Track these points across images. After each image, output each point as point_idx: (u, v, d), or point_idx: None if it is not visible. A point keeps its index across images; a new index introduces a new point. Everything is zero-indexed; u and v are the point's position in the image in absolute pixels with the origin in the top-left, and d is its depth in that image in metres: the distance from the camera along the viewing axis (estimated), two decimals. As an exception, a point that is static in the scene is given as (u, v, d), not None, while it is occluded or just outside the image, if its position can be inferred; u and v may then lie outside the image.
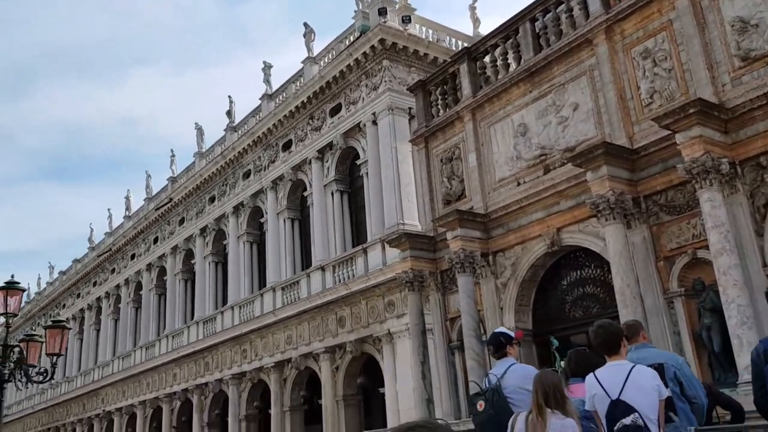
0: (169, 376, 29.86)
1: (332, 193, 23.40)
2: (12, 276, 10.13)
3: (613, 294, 9.09)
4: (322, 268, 22.33)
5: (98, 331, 38.08)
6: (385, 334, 19.41)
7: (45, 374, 9.72)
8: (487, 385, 4.97)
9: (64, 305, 43.16)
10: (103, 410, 34.84)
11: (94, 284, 39.93)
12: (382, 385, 20.23)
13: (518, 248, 10.48)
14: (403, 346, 18.87)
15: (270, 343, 23.97)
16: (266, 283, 25.66)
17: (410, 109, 21.61)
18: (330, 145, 23.48)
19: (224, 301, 28.33)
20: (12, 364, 9.53)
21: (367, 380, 21.28)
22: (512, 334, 5.33)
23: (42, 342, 10.58)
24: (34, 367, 10.15)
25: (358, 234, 23.03)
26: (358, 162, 22.56)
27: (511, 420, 4.35)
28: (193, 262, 30.93)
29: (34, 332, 11.48)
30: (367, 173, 21.94)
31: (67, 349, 9.92)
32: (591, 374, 4.18)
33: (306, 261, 24.76)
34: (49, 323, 9.87)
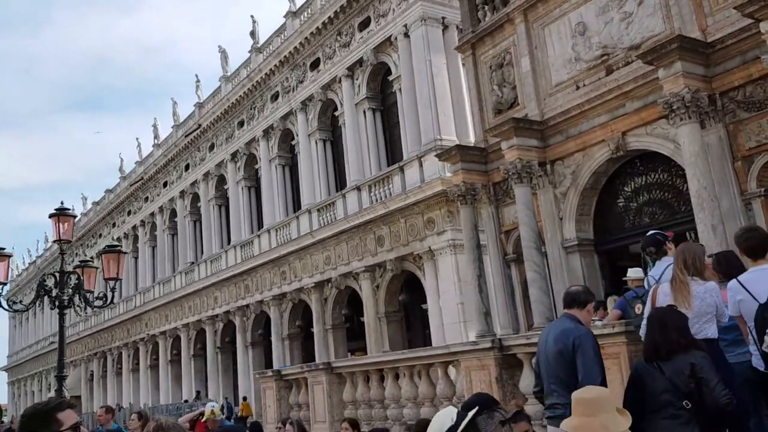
0: (210, 299, 30.40)
1: (364, 112, 22.84)
2: (61, 203, 9.99)
3: (682, 198, 8.67)
4: (358, 188, 22.07)
5: (136, 258, 38.71)
6: (425, 252, 19.29)
7: (104, 299, 9.70)
8: (646, 287, 4.88)
9: (100, 235, 43.83)
10: (148, 334, 35.88)
11: (129, 213, 40.32)
12: (424, 302, 20.32)
13: (578, 155, 10.03)
14: (444, 262, 18.78)
15: (309, 264, 24.08)
16: (301, 205, 25.56)
17: (444, 18, 20.72)
18: (360, 62, 22.72)
19: (260, 225, 28.41)
20: (70, 291, 9.51)
21: (408, 297, 21.39)
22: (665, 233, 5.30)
23: (97, 268, 10.55)
24: (91, 292, 10.14)
25: (392, 152, 22.60)
26: (390, 78, 21.85)
27: (651, 290, 4.36)
28: (225, 187, 30.89)
29: (87, 258, 11.46)
30: (400, 89, 21.27)
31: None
32: (734, 279, 3.95)
33: (340, 182, 24.52)
34: (104, 248, 9.77)
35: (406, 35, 20.71)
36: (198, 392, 29.98)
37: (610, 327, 5.09)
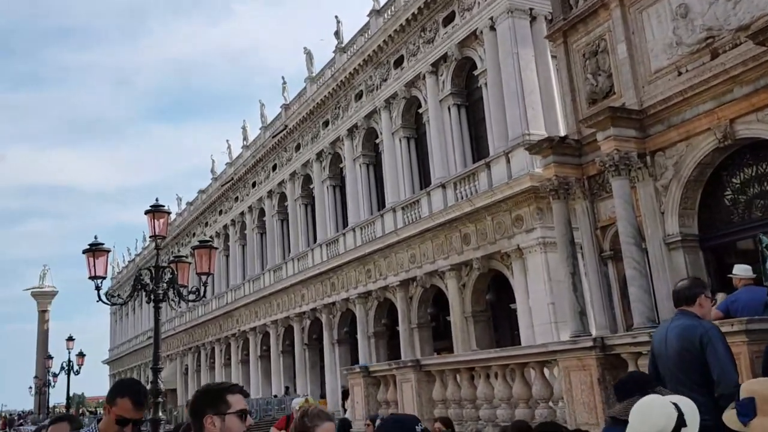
0: (297, 296, 30.93)
1: (449, 108, 22.55)
2: (156, 199, 10.30)
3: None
4: (443, 186, 21.81)
5: (227, 256, 39.96)
6: (513, 250, 18.79)
7: (197, 293, 9.92)
8: None
9: (194, 234, 45.51)
10: (239, 330, 36.94)
11: (220, 213, 41.68)
12: (512, 301, 19.81)
13: (681, 145, 9.39)
14: (534, 261, 18.24)
15: (394, 263, 24.02)
16: (385, 203, 25.55)
17: (531, 10, 20.13)
18: (444, 58, 22.46)
19: (345, 224, 28.63)
20: (165, 285, 9.77)
21: (495, 296, 20.93)
22: None
23: (190, 263, 10.82)
24: (185, 287, 10.40)
25: (478, 149, 22.20)
26: (476, 72, 21.46)
27: None
28: (311, 186, 31.33)
29: (180, 254, 11.79)
30: (485, 84, 20.85)
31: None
32: None
33: (424, 180, 24.33)
34: (197, 244, 9.99)
35: (492, 28, 20.27)
36: (287, 388, 30.56)
37: (729, 325, 4.66)
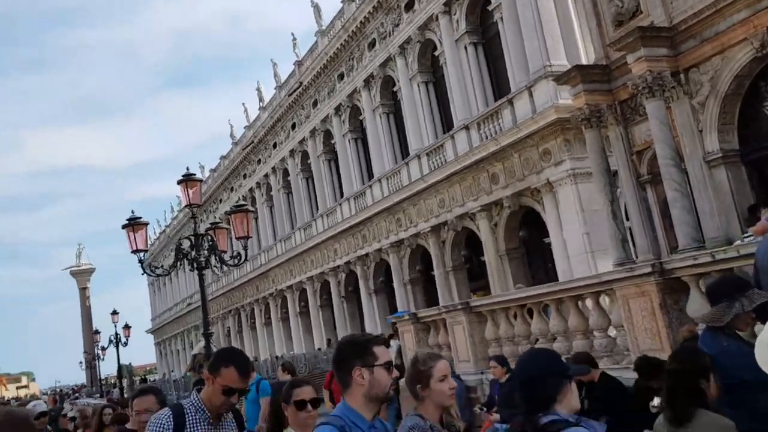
0: (329, 252, 31.18)
1: (465, 47, 22.07)
2: (187, 168, 10.31)
3: None
4: (466, 127, 21.54)
5: (256, 219, 40.24)
6: (543, 184, 18.61)
7: (238, 257, 10.01)
8: None
9: (220, 200, 45.89)
10: (276, 289, 37.51)
11: (244, 177, 41.83)
12: (545, 236, 19.74)
13: (716, 59, 9.07)
14: (565, 193, 18.05)
15: (423, 209, 24.00)
16: (409, 151, 25.37)
17: (542, -66, 19.40)
18: (456, -5, 21.86)
19: (369, 176, 28.56)
20: (206, 252, 9.87)
21: (528, 233, 20.86)
22: None
23: (227, 228, 10.90)
24: (225, 252, 10.50)
25: (498, 86, 21.78)
26: (490, 8, 20.87)
27: None
28: (333, 141, 31.18)
29: (217, 221, 11.87)
30: (501, 18, 20.30)
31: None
32: None
33: (446, 123, 24.05)
34: (232, 208, 10.03)
35: (503, -41, 19.62)
36: (329, 340, 31.10)
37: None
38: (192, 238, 9.84)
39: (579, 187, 17.73)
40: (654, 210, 10.13)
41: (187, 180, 9.83)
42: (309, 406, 3.43)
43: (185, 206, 10.29)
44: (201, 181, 10.48)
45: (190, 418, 2.90)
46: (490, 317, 7.60)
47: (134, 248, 9.35)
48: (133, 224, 9.39)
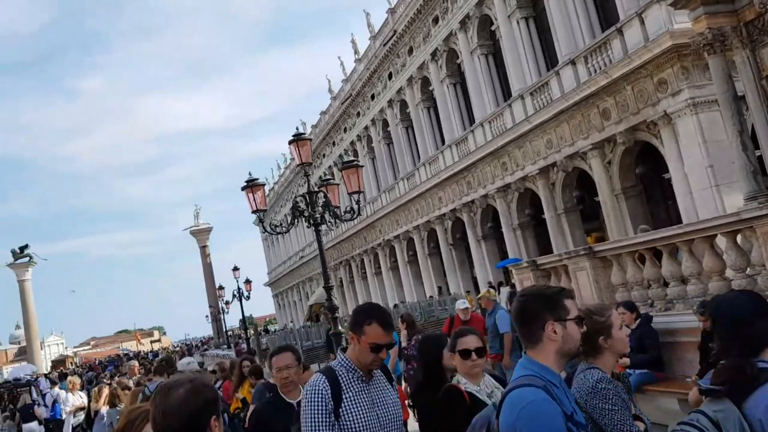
0: (434, 200, 31.21)
1: (567, -25, 20.91)
2: (297, 128, 10.51)
3: None
4: (572, 62, 20.60)
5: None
6: (660, 117, 17.58)
7: (351, 212, 10.19)
8: None
9: (323, 155, 46.78)
10: (383, 239, 38.13)
11: (345, 130, 42.31)
12: (663, 171, 18.77)
13: None
14: (685, 124, 16.98)
15: (529, 151, 23.41)
16: (511, 92, 24.68)
17: None
18: None
19: (471, 120, 28.10)
20: (320, 209, 10.11)
21: (645, 169, 19.90)
22: None
23: (338, 184, 11.10)
24: (338, 207, 10.72)
25: (605, 16, 20.59)
26: (593, -70, 19.62)
27: None
28: (431, 89, 30.82)
29: (324, 176, 12.09)
30: (606, -60, 19.05)
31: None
32: None
33: (550, 60, 23.11)
34: (342, 165, 10.18)
35: None
36: (440, 288, 31.43)
37: None
38: (306, 195, 10.09)
39: (700, 117, 16.64)
40: (791, 138, 9.34)
41: (298, 140, 10.03)
42: (474, 355, 3.50)
43: (297, 165, 10.53)
44: (310, 140, 10.67)
45: (344, 379, 2.94)
46: (615, 262, 7.33)
47: (254, 208, 9.74)
48: (252, 185, 9.75)
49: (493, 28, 25.34)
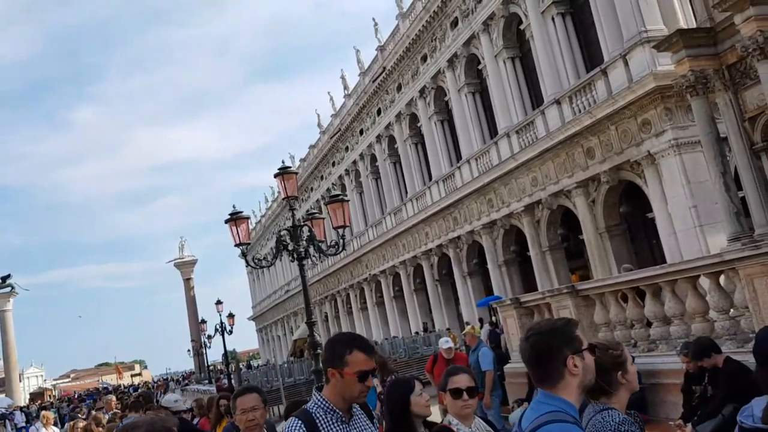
0: (421, 235, 31.20)
1: (552, 18, 21.33)
2: (282, 161, 10.51)
3: None
4: (557, 102, 20.86)
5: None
6: (644, 157, 17.78)
7: (336, 246, 10.13)
8: None
9: (311, 189, 46.81)
10: (369, 274, 37.97)
11: (333, 164, 42.44)
12: (647, 211, 18.90)
13: (839, 12, 8.30)
14: (668, 165, 17.17)
15: (515, 188, 23.54)
16: (497, 130, 24.92)
17: None
18: (542, -35, 21.13)
19: (458, 157, 28.30)
20: (305, 242, 10.04)
21: (629, 208, 20.04)
22: None
23: (323, 218, 11.05)
24: (323, 241, 10.66)
25: (590, 57, 20.94)
26: (578, -26, 20.07)
27: None
28: (419, 125, 31.07)
29: (310, 210, 12.07)
30: (590, -16, 19.46)
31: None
32: None
33: (535, 99, 23.42)
34: (328, 199, 10.15)
35: (591, -77, 18.75)
36: (425, 324, 31.21)
37: None
38: (290, 230, 10.03)
39: (684, 157, 16.85)
40: (772, 179, 9.43)
41: (284, 173, 10.01)
42: (465, 395, 3.38)
43: (283, 198, 10.49)
44: (296, 173, 10.67)
45: (321, 421, 2.77)
46: (598, 300, 7.31)
47: (238, 242, 9.65)
48: (236, 218, 9.67)
49: (480, 67, 25.70)
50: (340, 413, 2.81)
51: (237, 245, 9.71)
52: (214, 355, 48.43)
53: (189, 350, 55.77)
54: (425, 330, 28.72)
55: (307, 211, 39.54)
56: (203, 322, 37.12)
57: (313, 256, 10.27)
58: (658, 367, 6.38)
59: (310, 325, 9.90)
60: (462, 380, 3.42)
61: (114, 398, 16.32)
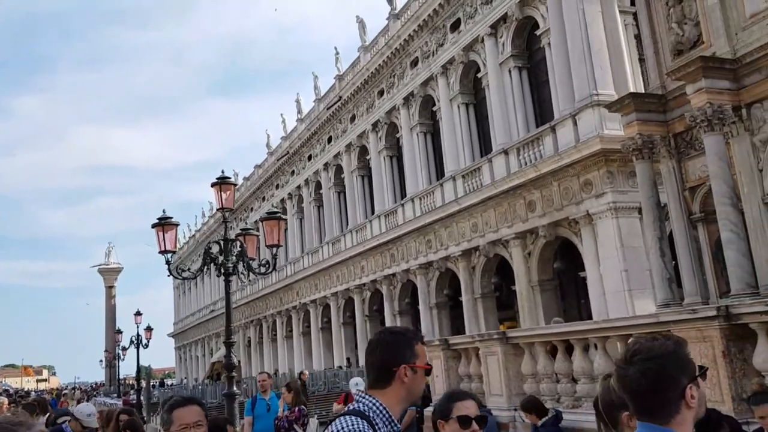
0: (356, 268, 30.84)
1: (509, 71, 21.75)
2: (222, 171, 10.10)
3: None
4: (505, 152, 21.14)
5: (286, 230, 40.14)
6: (582, 216, 18.07)
7: (267, 265, 9.71)
8: None
9: (251, 209, 45.95)
10: (299, 302, 37.23)
11: (277, 187, 41.86)
12: (580, 269, 19.16)
13: (783, 96, 8.60)
14: (605, 227, 17.49)
15: (455, 232, 23.57)
16: (444, 172, 25.04)
17: (597, -37, 19.05)
18: (504, 18, 21.60)
19: (403, 194, 28.27)
20: (234, 258, 9.60)
21: (562, 264, 20.29)
22: None
23: (257, 235, 10.63)
24: (254, 259, 10.22)
25: (541, 112, 21.39)
26: (538, 32, 20.56)
27: None
28: (368, 157, 31.00)
29: (248, 227, 11.62)
30: (548, 43, 19.96)
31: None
32: None
33: (484, 147, 23.70)
34: (264, 215, 9.76)
35: (555, -16, 19.30)
36: (348, 359, 30.67)
37: None
38: (221, 242, 9.58)
39: (620, 221, 17.21)
40: (705, 250, 9.59)
41: (222, 183, 9.60)
42: (474, 425, 2.84)
43: (217, 209, 10.05)
44: (235, 185, 10.26)
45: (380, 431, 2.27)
46: (528, 350, 7.14)
47: (162, 248, 9.11)
48: (164, 224, 9.14)
49: (434, 108, 25.92)
50: (397, 427, 2.33)
51: (162, 252, 9.17)
52: (127, 368, 46.32)
53: (102, 360, 53.26)
54: (348, 365, 28.18)
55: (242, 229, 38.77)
56: (119, 332, 35.42)
57: (242, 273, 9.80)
58: (583, 425, 6.22)
59: (228, 344, 9.38)
60: (471, 407, 2.89)
61: (6, 401, 15.17)
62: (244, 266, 9.58)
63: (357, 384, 7.87)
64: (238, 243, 9.69)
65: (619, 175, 17.42)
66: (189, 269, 9.48)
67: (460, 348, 8.13)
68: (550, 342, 6.99)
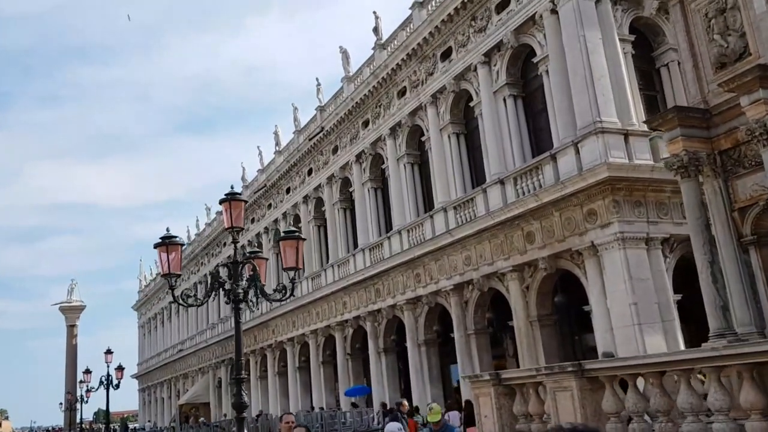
0: (338, 304, 29.64)
1: (504, 99, 21.26)
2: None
3: None
4: (501, 182, 20.48)
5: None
6: (586, 247, 17.39)
7: (283, 291, 8.66)
8: None
9: (224, 243, 44.45)
10: (275, 341, 35.70)
11: (252, 221, 40.56)
12: (583, 303, 18.40)
13: None
14: (611, 258, 16.81)
15: (446, 265, 22.68)
16: (433, 204, 24.29)
17: (598, -11, 18.81)
18: (498, 46, 21.20)
19: (387, 227, 27.38)
20: (245, 283, 8.54)
21: (563, 298, 19.52)
22: None
23: (266, 259, 9.60)
24: (263, 285, 9.16)
25: (537, 141, 20.87)
26: (535, 60, 20.14)
27: None
28: (351, 189, 30.12)
29: (257, 250, 10.57)
30: (546, 71, 19.55)
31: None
32: None
33: (477, 177, 23.04)
34: (282, 234, 8.75)
35: (554, 11, 18.99)
36: (354, 403, 28.92)
37: None
38: (230, 266, 8.52)
39: (628, 252, 16.57)
40: (758, 276, 8.88)
41: (231, 199, 8.60)
42: None
43: (226, 229, 9.03)
44: (245, 201, 9.25)
45: None
46: (608, 384, 6.22)
47: (166, 271, 7.99)
48: (168, 243, 8.03)
49: (423, 138, 25.28)
50: None
51: (164, 275, 8.06)
52: (87, 412, 43.73)
53: (61, 403, 50.34)
54: (356, 406, 26.60)
55: (218, 264, 37.18)
56: (88, 371, 33.23)
57: (250, 300, 8.73)
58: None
59: (239, 381, 8.24)
60: None
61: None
62: (255, 292, 8.51)
63: (400, 429, 6.88)
64: (249, 267, 8.64)
65: (626, 205, 16.87)
66: (193, 295, 8.35)
67: (515, 384, 7.19)
68: (639, 374, 6.11)
